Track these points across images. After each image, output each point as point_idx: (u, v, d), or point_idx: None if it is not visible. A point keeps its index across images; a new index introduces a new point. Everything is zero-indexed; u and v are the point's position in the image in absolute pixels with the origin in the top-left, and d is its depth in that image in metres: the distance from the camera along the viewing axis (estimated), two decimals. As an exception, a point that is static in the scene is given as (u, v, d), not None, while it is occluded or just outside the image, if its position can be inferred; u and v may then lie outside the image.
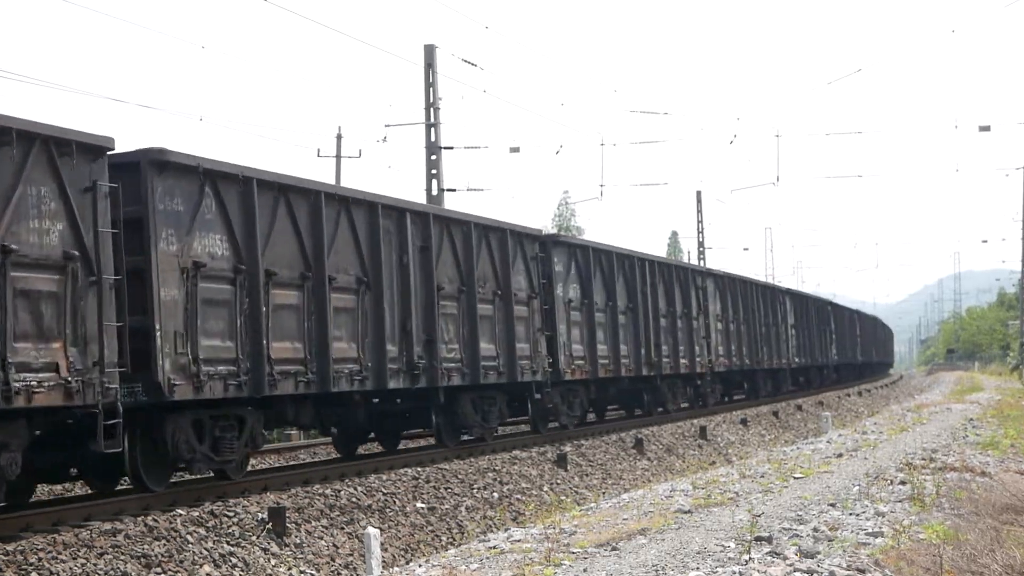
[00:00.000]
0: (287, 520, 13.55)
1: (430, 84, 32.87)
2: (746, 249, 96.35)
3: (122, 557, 11.53)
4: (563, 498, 18.35)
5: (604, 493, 19.66)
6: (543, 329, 23.08)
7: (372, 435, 21.23)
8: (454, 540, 15.48)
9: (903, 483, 14.57)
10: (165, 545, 12.07)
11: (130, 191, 13.29)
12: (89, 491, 15.40)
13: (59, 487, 17.48)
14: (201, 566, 12.07)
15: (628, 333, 27.88)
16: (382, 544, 13.21)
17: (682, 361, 31.61)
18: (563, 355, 24.11)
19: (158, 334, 13.42)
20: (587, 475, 21.24)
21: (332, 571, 13.29)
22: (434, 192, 32.72)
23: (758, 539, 10.42)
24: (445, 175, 33.09)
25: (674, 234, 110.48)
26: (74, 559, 11.18)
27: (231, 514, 13.37)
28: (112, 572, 11.23)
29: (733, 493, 14.68)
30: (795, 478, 16.18)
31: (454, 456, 19.67)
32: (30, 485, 14.13)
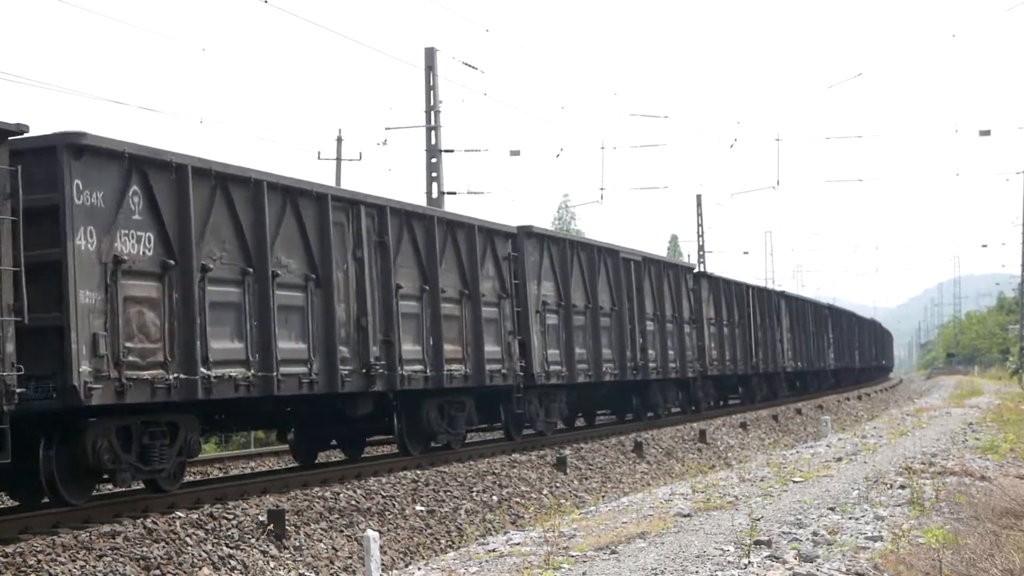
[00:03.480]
0: (286, 523, 13.55)
1: (430, 87, 32.92)
2: (746, 253, 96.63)
3: (121, 559, 11.53)
4: (562, 501, 18.34)
5: (603, 496, 19.66)
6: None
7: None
8: (453, 543, 15.47)
9: (902, 487, 14.57)
10: (164, 547, 12.07)
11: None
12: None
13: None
14: (200, 568, 12.07)
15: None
16: (381, 547, 13.21)
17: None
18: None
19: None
20: (586, 478, 21.24)
21: (331, 574, 13.28)
22: (434, 195, 32.75)
23: (757, 543, 10.43)
24: (445, 178, 33.17)
25: (674, 237, 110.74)
26: (73, 561, 11.17)
27: (230, 516, 13.37)
28: (111, 574, 11.22)
29: (732, 497, 14.67)
30: (794, 482, 16.18)
31: (454, 459, 19.71)
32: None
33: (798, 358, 47.58)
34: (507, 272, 21.65)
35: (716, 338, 35.21)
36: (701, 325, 33.42)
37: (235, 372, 14.47)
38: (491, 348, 20.85)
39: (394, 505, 15.87)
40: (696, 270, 34.38)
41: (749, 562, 9.68)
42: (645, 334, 28.39)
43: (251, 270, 14.88)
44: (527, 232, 22.82)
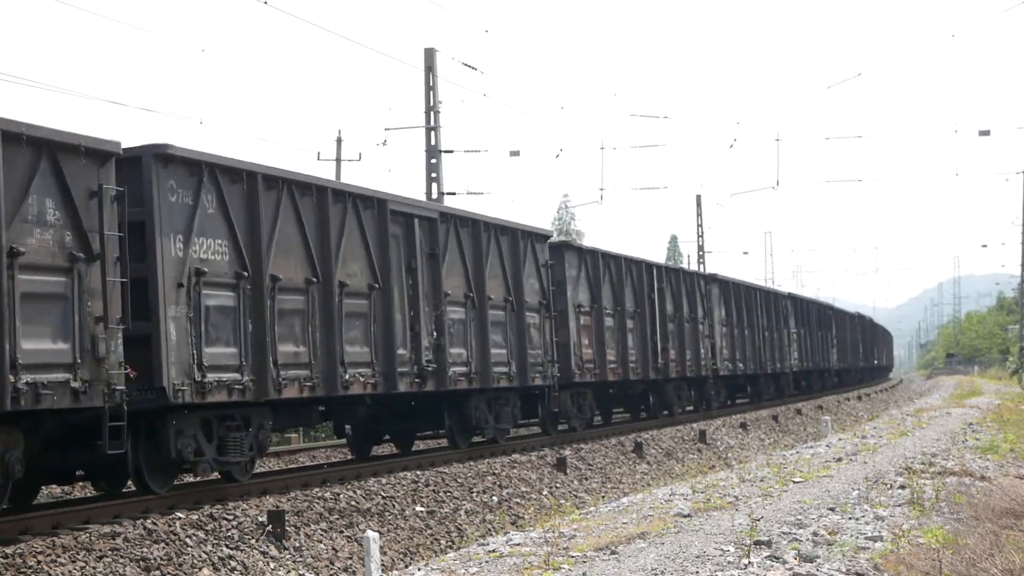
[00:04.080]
0: (286, 523, 13.56)
1: (430, 87, 32.92)
2: (746, 253, 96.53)
3: (121, 560, 11.53)
4: (562, 502, 18.35)
5: (603, 497, 19.66)
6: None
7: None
8: (453, 544, 15.48)
9: (903, 487, 14.57)
10: (164, 548, 12.08)
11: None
12: (93, 493, 15.42)
13: (59, 490, 17.48)
14: (200, 569, 12.07)
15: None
16: (381, 548, 13.21)
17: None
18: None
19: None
20: (586, 479, 21.25)
21: (331, 574, 13.29)
22: (434, 196, 32.74)
23: (757, 543, 10.42)
24: (445, 178, 33.16)
25: (674, 238, 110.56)
26: (73, 562, 11.18)
27: (230, 517, 13.38)
28: (111, 575, 11.23)
29: (732, 497, 14.67)
30: (795, 482, 16.17)
31: (454, 459, 19.69)
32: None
33: (747, 358, 39.38)
34: (96, 219, 12.71)
35: (592, 332, 26.35)
36: (566, 314, 25.01)
37: None
38: (45, 346, 12.20)
39: (394, 506, 15.87)
40: (554, 239, 25.67)
41: (749, 562, 9.68)
42: (443, 325, 19.52)
43: None
44: (161, 155, 13.89)
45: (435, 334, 19.39)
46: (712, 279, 36.90)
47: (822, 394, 52.05)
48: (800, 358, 48.47)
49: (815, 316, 53.47)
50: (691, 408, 34.97)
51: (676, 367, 31.54)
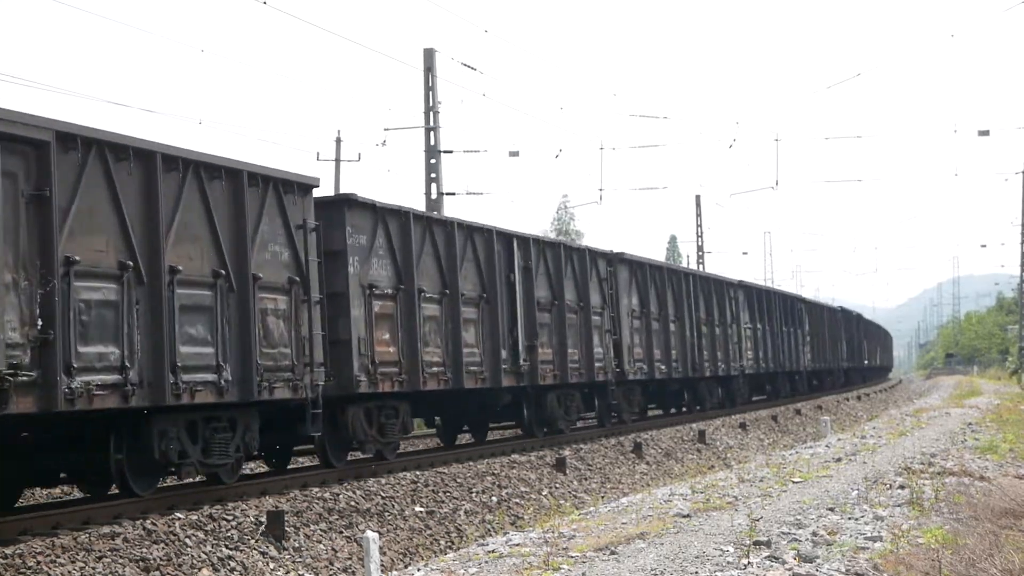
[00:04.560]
0: (286, 524, 13.56)
1: (429, 88, 32.94)
2: (745, 253, 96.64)
3: (120, 561, 11.53)
4: (562, 502, 18.35)
5: (603, 497, 19.66)
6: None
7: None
8: (453, 544, 15.48)
9: (902, 487, 14.57)
10: (164, 548, 12.08)
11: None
12: (87, 495, 15.44)
13: (59, 490, 17.49)
14: (200, 570, 12.07)
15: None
16: (381, 548, 13.21)
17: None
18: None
19: None
20: (586, 479, 21.25)
21: (331, 575, 13.29)
22: (433, 196, 32.76)
23: (757, 543, 10.43)
24: (444, 179, 33.18)
25: (673, 238, 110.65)
26: (72, 563, 11.18)
27: (230, 518, 13.37)
28: (111, 575, 11.23)
29: (732, 497, 14.66)
30: (794, 482, 16.17)
31: (452, 459, 19.71)
32: None
33: (674, 359, 31.26)
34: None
35: (395, 323, 18.69)
36: (346, 297, 17.52)
37: None
38: None
39: (393, 506, 15.87)
40: (325, 192, 18.37)
41: (749, 563, 9.68)
42: (55, 309, 12.01)
43: None
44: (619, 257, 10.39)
45: (40, 323, 11.91)
46: (618, 259, 28.20)
47: (791, 400, 44.33)
48: (756, 358, 40.76)
49: (779, 309, 45.12)
50: (595, 421, 27.94)
51: (553, 370, 23.81)
